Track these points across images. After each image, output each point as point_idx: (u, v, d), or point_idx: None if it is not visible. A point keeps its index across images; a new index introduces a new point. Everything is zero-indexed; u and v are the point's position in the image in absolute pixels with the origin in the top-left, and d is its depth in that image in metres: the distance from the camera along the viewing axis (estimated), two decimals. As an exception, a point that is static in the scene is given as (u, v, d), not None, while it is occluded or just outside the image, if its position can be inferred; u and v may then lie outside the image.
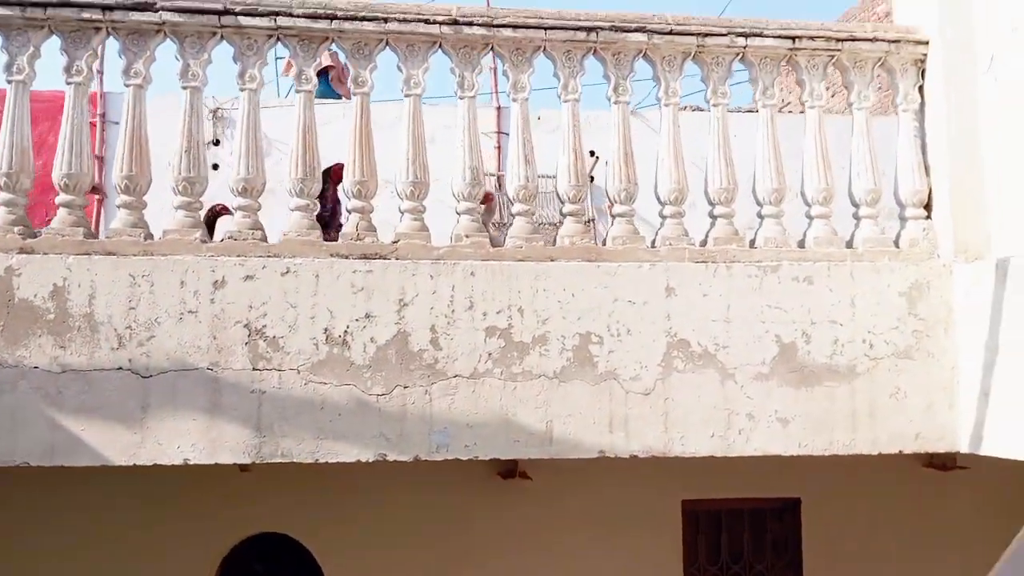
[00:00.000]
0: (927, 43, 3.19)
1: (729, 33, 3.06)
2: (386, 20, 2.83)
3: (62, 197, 2.67)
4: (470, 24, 2.89)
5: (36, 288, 2.51)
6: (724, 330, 2.87)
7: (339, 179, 3.85)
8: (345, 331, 2.65)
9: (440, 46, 2.94)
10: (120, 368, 2.52)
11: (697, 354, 2.85)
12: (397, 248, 2.79)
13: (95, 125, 7.06)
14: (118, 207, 2.70)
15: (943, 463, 3.99)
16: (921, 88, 3.24)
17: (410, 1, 3.03)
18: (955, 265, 3.02)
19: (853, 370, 2.93)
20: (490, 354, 2.73)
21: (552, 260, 2.87)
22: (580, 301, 2.80)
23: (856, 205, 3.19)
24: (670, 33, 3.02)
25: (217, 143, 7.31)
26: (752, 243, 3.07)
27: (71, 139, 2.66)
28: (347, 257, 2.74)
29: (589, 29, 2.97)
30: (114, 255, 2.59)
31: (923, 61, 3.22)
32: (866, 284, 2.96)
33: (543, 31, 2.95)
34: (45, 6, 2.67)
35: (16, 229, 2.59)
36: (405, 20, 2.85)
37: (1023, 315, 2.65)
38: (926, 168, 3.20)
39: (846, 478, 4.07)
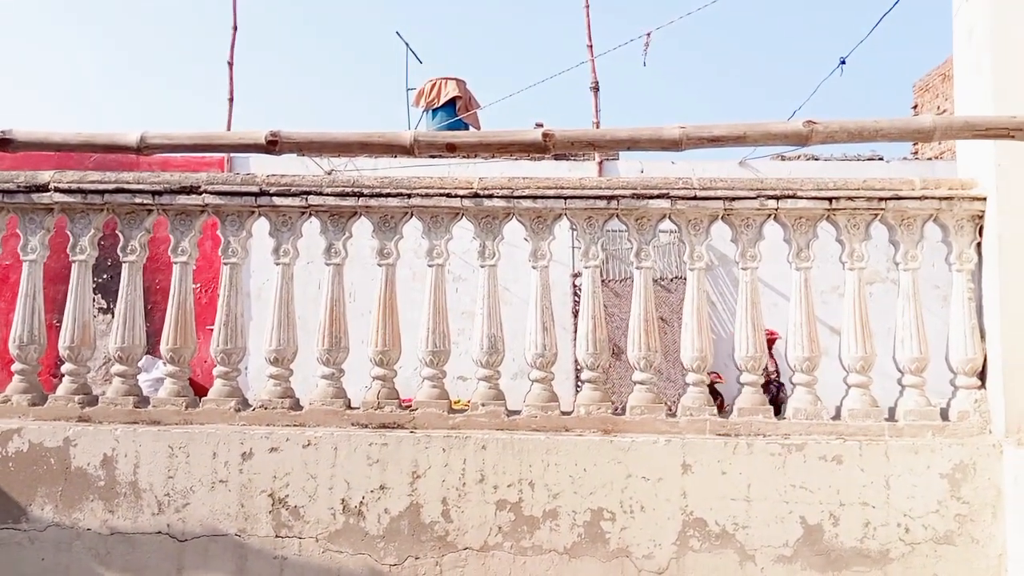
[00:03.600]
0: (984, 199, 3.48)
1: (759, 196, 3.51)
2: (409, 195, 3.49)
3: (116, 367, 3.45)
4: (490, 196, 3.50)
5: (89, 457, 3.27)
6: (744, 509, 3.28)
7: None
8: (361, 502, 3.26)
9: (463, 216, 3.55)
10: (159, 532, 3.24)
11: (715, 534, 3.26)
12: (415, 417, 3.39)
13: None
14: (165, 377, 3.44)
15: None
16: (979, 245, 3.52)
17: (435, 174, 3.67)
18: (1006, 447, 3.29)
19: (886, 555, 3.25)
20: (500, 527, 3.26)
21: (567, 430, 3.38)
22: (592, 476, 3.29)
23: (900, 372, 3.52)
24: (694, 198, 3.51)
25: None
26: (780, 413, 3.46)
27: (125, 313, 3.45)
28: (367, 426, 3.36)
29: (609, 197, 3.51)
30: (158, 424, 3.33)
31: (981, 217, 3.50)
32: (902, 465, 3.28)
33: (563, 200, 3.51)
34: (103, 193, 3.49)
35: (76, 398, 3.39)
36: (428, 195, 3.49)
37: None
38: (981, 333, 3.49)
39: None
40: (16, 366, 3.49)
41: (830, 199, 3.52)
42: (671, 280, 8.37)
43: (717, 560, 3.25)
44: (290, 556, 3.23)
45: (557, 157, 8.85)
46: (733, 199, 3.52)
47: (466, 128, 9.63)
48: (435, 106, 10.39)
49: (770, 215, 3.56)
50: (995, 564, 3.23)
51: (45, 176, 3.50)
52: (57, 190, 3.48)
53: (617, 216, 3.57)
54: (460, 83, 10.52)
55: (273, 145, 3.14)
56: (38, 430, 3.33)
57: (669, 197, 3.52)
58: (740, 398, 3.48)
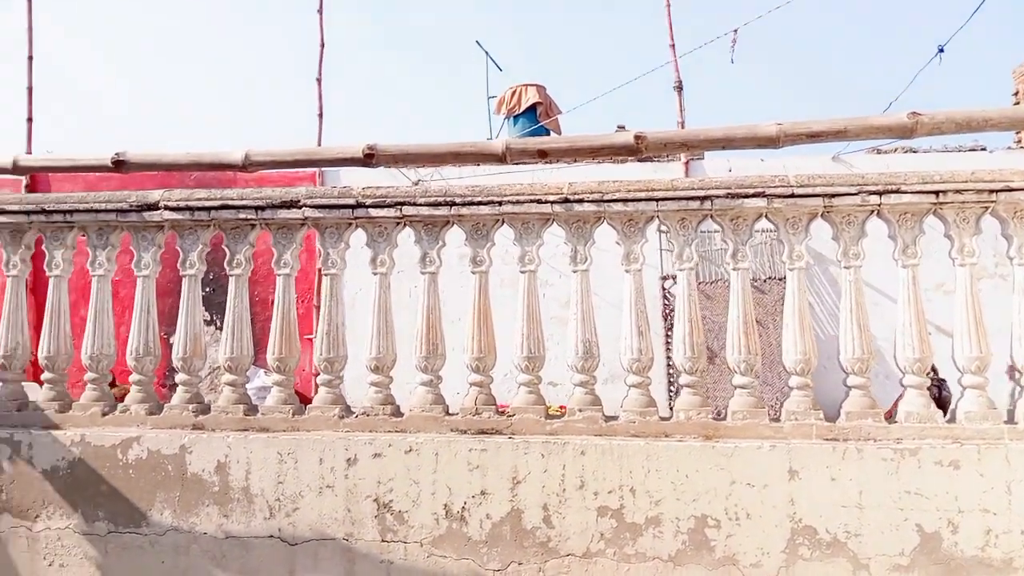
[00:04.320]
0: None
1: (860, 192, 3.50)
2: (500, 203, 3.62)
3: (226, 377, 3.70)
4: (581, 201, 3.60)
5: (204, 464, 3.52)
6: (856, 516, 3.27)
7: None
8: (463, 507, 3.40)
9: (553, 222, 3.67)
10: (271, 536, 3.46)
11: (825, 542, 3.27)
12: (512, 423, 3.51)
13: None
14: (272, 385, 3.67)
15: None
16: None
17: (518, 181, 3.80)
18: None
19: (1010, 564, 3.19)
20: (602, 534, 3.35)
21: (667, 435, 3.45)
22: (695, 482, 3.34)
23: (1020, 372, 3.45)
24: (792, 196, 3.53)
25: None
26: (892, 418, 3.43)
27: (233, 325, 3.69)
28: (465, 432, 3.51)
29: (703, 198, 3.56)
30: (267, 431, 3.55)
31: None
32: None
33: (654, 202, 3.58)
34: (209, 209, 3.75)
35: (190, 407, 3.65)
36: (518, 201, 3.62)
37: None
38: (1109, 328, 3.39)
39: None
40: (133, 377, 3.78)
41: (937, 192, 3.48)
42: (764, 281, 8.29)
43: (829, 569, 3.26)
44: (396, 560, 3.40)
45: (641, 159, 8.90)
46: (833, 196, 3.52)
47: (547, 134, 9.82)
48: (516, 113, 10.61)
49: (872, 211, 3.54)
50: None
51: (155, 195, 3.79)
52: (167, 208, 3.76)
53: (711, 216, 3.62)
54: (540, 89, 10.75)
55: (370, 158, 3.34)
56: (156, 438, 3.61)
57: (765, 196, 3.54)
58: (848, 401, 3.47)
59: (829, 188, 3.52)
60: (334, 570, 3.43)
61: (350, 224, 3.76)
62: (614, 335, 3.72)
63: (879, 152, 9.28)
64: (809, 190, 3.53)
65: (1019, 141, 10.96)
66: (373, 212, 3.72)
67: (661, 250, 8.52)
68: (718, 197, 3.57)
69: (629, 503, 3.36)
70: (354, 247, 3.86)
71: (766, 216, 3.60)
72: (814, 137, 3.39)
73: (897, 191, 3.49)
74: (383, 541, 3.42)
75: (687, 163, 9.12)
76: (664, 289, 8.78)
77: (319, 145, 6.80)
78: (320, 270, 3.80)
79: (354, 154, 3.56)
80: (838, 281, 8.38)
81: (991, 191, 3.45)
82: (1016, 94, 11.72)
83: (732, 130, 3.46)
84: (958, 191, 3.47)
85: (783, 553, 3.28)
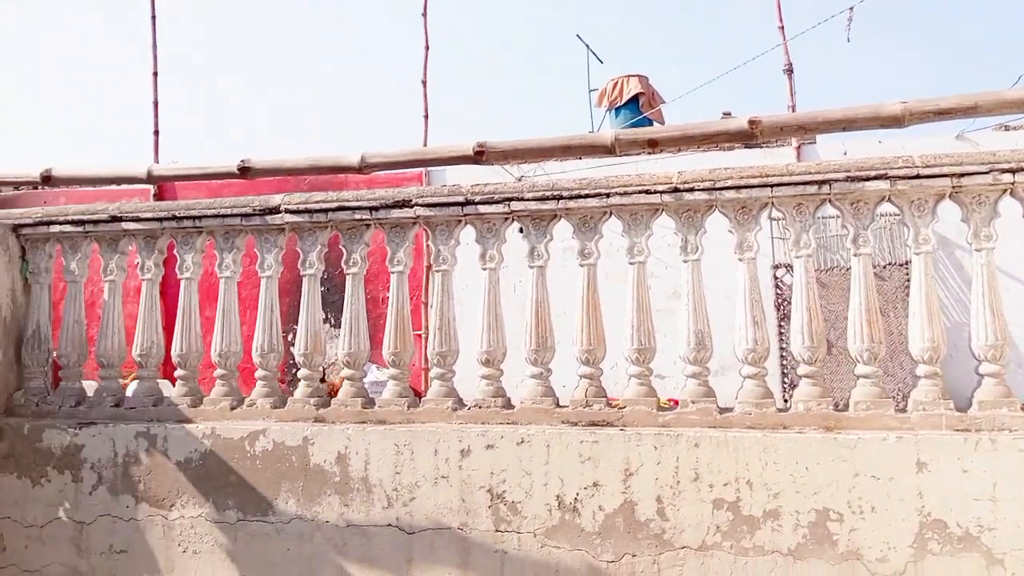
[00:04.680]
0: None
1: (992, 170, 3.36)
2: (608, 195, 3.68)
3: (345, 371, 3.90)
4: (691, 190, 3.61)
5: (325, 455, 3.72)
6: (990, 510, 3.14)
7: None
8: (575, 498, 3.46)
9: (662, 212, 3.69)
10: (389, 525, 3.62)
11: (956, 536, 3.15)
12: (623, 415, 3.55)
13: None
14: (388, 379, 3.85)
15: None
16: None
17: (623, 172, 3.83)
18: None
19: None
20: (718, 527, 3.34)
21: (784, 427, 3.41)
22: (815, 475, 3.29)
23: None
24: (917, 177, 3.43)
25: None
26: (1030, 407, 3.28)
27: (350, 322, 3.89)
28: (576, 424, 3.57)
29: (820, 182, 3.50)
30: (384, 423, 3.72)
31: None
32: None
33: (769, 188, 3.55)
34: (327, 211, 3.96)
35: (312, 400, 3.87)
36: (626, 192, 3.66)
37: None
38: None
39: None
40: (259, 372, 4.04)
41: None
42: (884, 267, 7.98)
43: (960, 564, 3.14)
44: (510, 550, 3.50)
45: (748, 145, 8.70)
46: (961, 175, 3.40)
47: (650, 124, 9.77)
48: (618, 104, 10.61)
49: (1006, 190, 3.40)
50: None
51: (276, 199, 4.04)
52: (287, 211, 4.01)
53: (829, 201, 3.56)
54: (642, 79, 10.71)
55: (480, 155, 3.46)
56: (280, 430, 3.84)
57: (888, 177, 3.46)
58: (980, 390, 3.34)
59: (958, 167, 3.40)
60: (450, 559, 3.55)
61: (459, 221, 3.90)
62: (723, 326, 3.70)
63: (1007, 129, 8.73)
64: (936, 170, 3.42)
65: None
66: (482, 208, 3.84)
67: (772, 238, 8.31)
68: (837, 181, 3.51)
69: (746, 496, 3.34)
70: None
71: (889, 199, 3.51)
72: (942, 114, 3.28)
73: (1034, 167, 3.34)
74: (497, 531, 3.52)
75: (799, 148, 8.84)
76: (776, 278, 8.57)
77: (425, 146, 7.03)
78: (430, 267, 3.95)
79: (464, 152, 3.69)
80: (964, 266, 8.00)
81: None
82: None
83: (853, 111, 3.39)
84: (1103, 165, 3.29)
85: (911, 548, 3.18)
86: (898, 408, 3.41)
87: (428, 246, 3.97)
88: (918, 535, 3.18)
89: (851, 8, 8.91)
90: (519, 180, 7.57)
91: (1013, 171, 3.35)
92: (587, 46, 12.42)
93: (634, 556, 3.40)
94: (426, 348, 7.47)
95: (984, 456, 3.17)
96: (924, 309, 3.43)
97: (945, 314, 7.90)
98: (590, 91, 12.06)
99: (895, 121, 3.35)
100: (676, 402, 3.71)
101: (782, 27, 9.30)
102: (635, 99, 10.58)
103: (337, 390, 3.95)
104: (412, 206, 3.90)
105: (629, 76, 10.74)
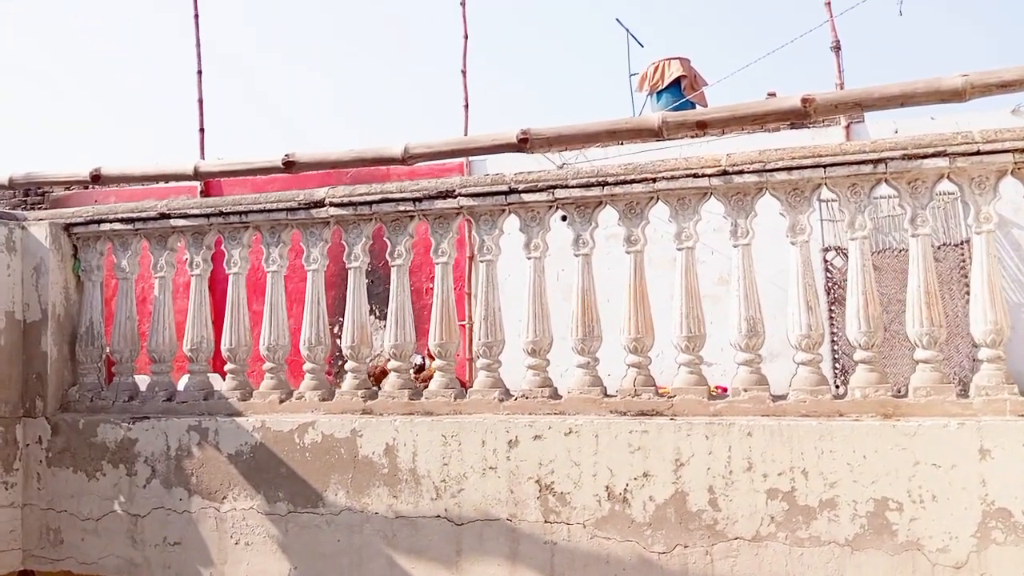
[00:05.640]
0: None
1: None
2: (655, 179, 3.75)
3: (392, 363, 4.06)
4: (740, 172, 3.66)
5: (373, 447, 3.88)
6: (1059, 499, 3.14)
7: None
8: (625, 489, 3.56)
9: (711, 196, 3.76)
10: (438, 516, 3.76)
11: (1021, 525, 3.16)
12: (673, 404, 3.64)
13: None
14: (436, 370, 4.00)
15: None
16: None
17: (668, 156, 3.90)
18: None
19: None
20: (772, 517, 3.40)
21: (841, 415, 3.45)
22: (873, 463, 3.33)
23: None
24: (977, 153, 3.42)
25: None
26: (1103, 392, 3.27)
27: (396, 313, 4.05)
28: (625, 414, 3.66)
29: (876, 161, 3.53)
30: (431, 415, 3.87)
31: None
32: None
33: (822, 168, 3.59)
34: (371, 203, 4.12)
35: (359, 392, 4.04)
36: (673, 177, 3.73)
37: None
38: None
39: None
40: (307, 365, 4.22)
41: None
42: (938, 248, 7.85)
43: None
44: (559, 541, 3.61)
45: (794, 125, 8.57)
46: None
47: (692, 107, 9.71)
48: (659, 88, 10.52)
49: None
50: None
51: (321, 193, 4.21)
52: (331, 204, 4.17)
53: (885, 180, 3.58)
54: (684, 62, 10.63)
55: (524, 143, 3.58)
56: (329, 422, 4.02)
57: (947, 155, 3.46)
58: (1048, 375, 3.34)
59: (1021, 143, 3.39)
60: (499, 550, 3.68)
61: (503, 210, 4.01)
62: (770, 312, 3.74)
63: None
64: (997, 145, 3.41)
65: None
66: (526, 197, 3.95)
67: (822, 220, 8.22)
68: (893, 159, 3.52)
69: (801, 485, 3.39)
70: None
71: (948, 177, 3.51)
72: (1005, 87, 3.29)
73: (1103, 140, 3.32)
74: (546, 522, 3.64)
75: (848, 127, 8.65)
76: (826, 262, 8.48)
77: (466, 135, 7.17)
78: (472, 257, 4.08)
79: (508, 140, 3.82)
80: (1022, 245, 7.85)
81: None
82: None
83: (911, 85, 3.41)
84: None
85: (973, 537, 3.20)
86: (959, 393, 3.42)
87: (472, 236, 4.08)
88: (981, 524, 3.20)
89: None
90: (561, 168, 7.62)
91: (1081, 144, 3.33)
92: (627, 30, 12.37)
93: (686, 547, 3.48)
94: (470, 339, 7.67)
95: (1052, 442, 3.18)
96: (987, 290, 3.43)
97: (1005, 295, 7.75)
98: (630, 76, 12.02)
99: (956, 96, 3.37)
100: (724, 389, 3.77)
101: (828, 3, 9.18)
102: (677, 82, 10.50)
103: (380, 372, 4.10)
104: (455, 196, 4.03)
105: (670, 59, 10.66)
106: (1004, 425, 3.24)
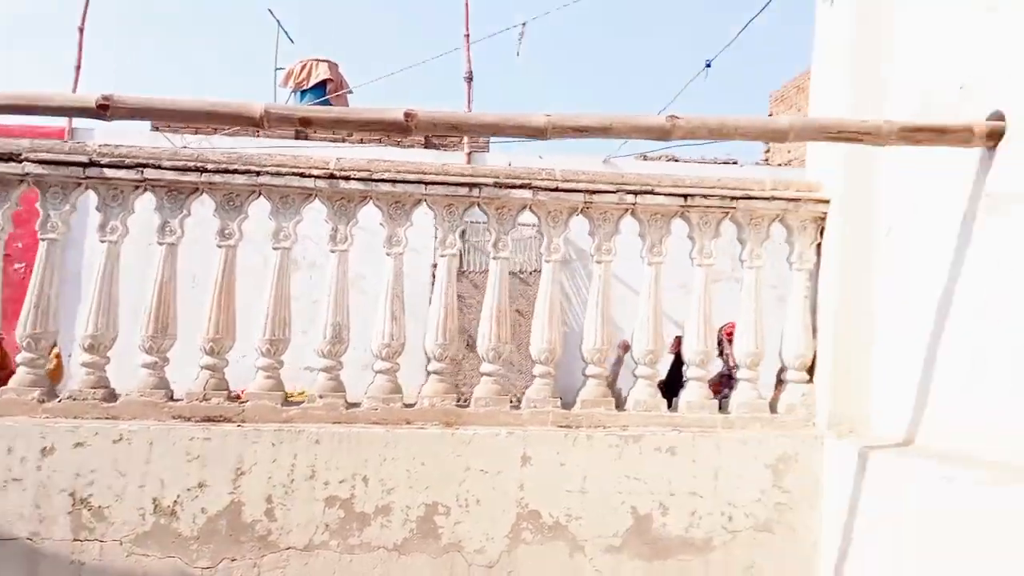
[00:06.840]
0: (828, 202, 2.75)
1: (619, 191, 2.80)
2: (259, 173, 2.63)
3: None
4: (347, 178, 2.62)
5: None
6: (579, 501, 2.55)
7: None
8: (175, 501, 2.34)
9: (316, 198, 2.56)
10: (-67, 537, 2.16)
11: (548, 526, 2.51)
12: (244, 410, 2.43)
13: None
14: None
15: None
16: (819, 247, 2.79)
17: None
18: (827, 439, 2.61)
19: (709, 543, 2.56)
20: (327, 525, 2.42)
21: (408, 423, 2.52)
22: (431, 470, 2.51)
23: (736, 366, 2.74)
24: (556, 190, 2.72)
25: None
26: (621, 406, 2.62)
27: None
28: (189, 419, 2.42)
29: (472, 185, 2.71)
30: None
31: (823, 219, 2.86)
32: (731, 456, 2.67)
33: (423, 185, 2.67)
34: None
35: None
36: (279, 173, 2.62)
37: (876, 510, 2.18)
38: (813, 330, 2.73)
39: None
40: None
41: (685, 196, 2.82)
42: (531, 273, 7.17)
43: (547, 552, 2.52)
44: (88, 561, 2.28)
45: (427, 146, 7.31)
46: (593, 192, 2.74)
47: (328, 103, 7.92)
48: (304, 87, 8.38)
49: (628, 210, 2.83)
50: (810, 552, 2.61)
51: None
52: None
53: (478, 205, 2.75)
54: (332, 66, 8.62)
55: (104, 109, 2.11)
56: None
57: (531, 187, 2.69)
58: (584, 390, 2.71)
59: (591, 184, 2.74)
60: (15, 573, 2.19)
61: (79, 184, 2.55)
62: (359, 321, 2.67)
63: (645, 158, 8.36)
64: (573, 185, 2.72)
65: (766, 159, 10.36)
66: (109, 172, 2.52)
67: (435, 237, 7.21)
68: (486, 185, 2.67)
69: (360, 492, 2.42)
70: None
71: (530, 208, 2.77)
72: (581, 131, 2.51)
73: (651, 192, 2.81)
74: (75, 540, 2.29)
75: (469, 155, 7.69)
76: (435, 276, 7.46)
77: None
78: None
79: (86, 103, 2.28)
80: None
81: (733, 198, 2.89)
82: (771, 115, 11.36)
83: (504, 117, 2.52)
84: (704, 195, 2.87)
85: (507, 538, 2.51)
86: (514, 404, 2.62)
87: (38, 209, 2.47)
88: (514, 526, 2.51)
89: (523, 23, 7.71)
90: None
91: (636, 192, 2.78)
92: (278, 22, 9.52)
93: (233, 560, 2.32)
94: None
95: (580, 450, 2.57)
96: (546, 313, 2.73)
97: (577, 320, 7.27)
98: (276, 69, 9.31)
99: (539, 132, 2.54)
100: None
101: (467, 35, 7.93)
102: (323, 84, 8.38)
103: None
104: (21, 161, 2.42)
105: (319, 60, 8.53)
106: (545, 434, 2.54)
